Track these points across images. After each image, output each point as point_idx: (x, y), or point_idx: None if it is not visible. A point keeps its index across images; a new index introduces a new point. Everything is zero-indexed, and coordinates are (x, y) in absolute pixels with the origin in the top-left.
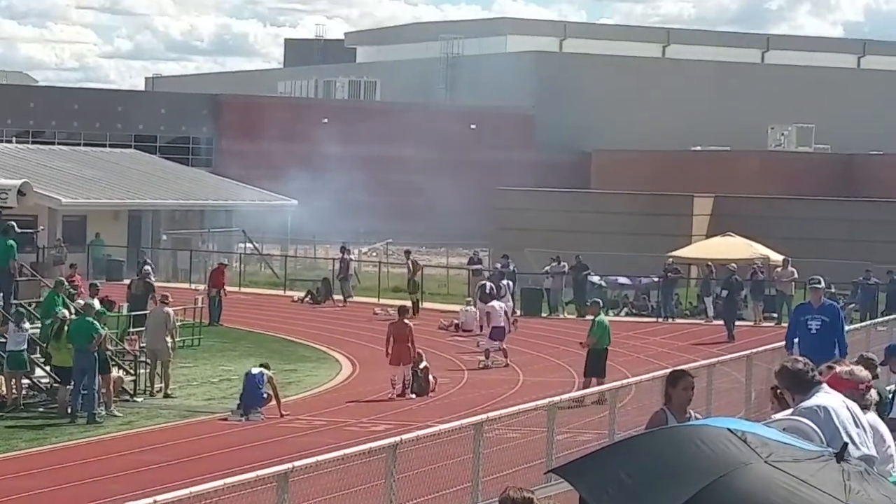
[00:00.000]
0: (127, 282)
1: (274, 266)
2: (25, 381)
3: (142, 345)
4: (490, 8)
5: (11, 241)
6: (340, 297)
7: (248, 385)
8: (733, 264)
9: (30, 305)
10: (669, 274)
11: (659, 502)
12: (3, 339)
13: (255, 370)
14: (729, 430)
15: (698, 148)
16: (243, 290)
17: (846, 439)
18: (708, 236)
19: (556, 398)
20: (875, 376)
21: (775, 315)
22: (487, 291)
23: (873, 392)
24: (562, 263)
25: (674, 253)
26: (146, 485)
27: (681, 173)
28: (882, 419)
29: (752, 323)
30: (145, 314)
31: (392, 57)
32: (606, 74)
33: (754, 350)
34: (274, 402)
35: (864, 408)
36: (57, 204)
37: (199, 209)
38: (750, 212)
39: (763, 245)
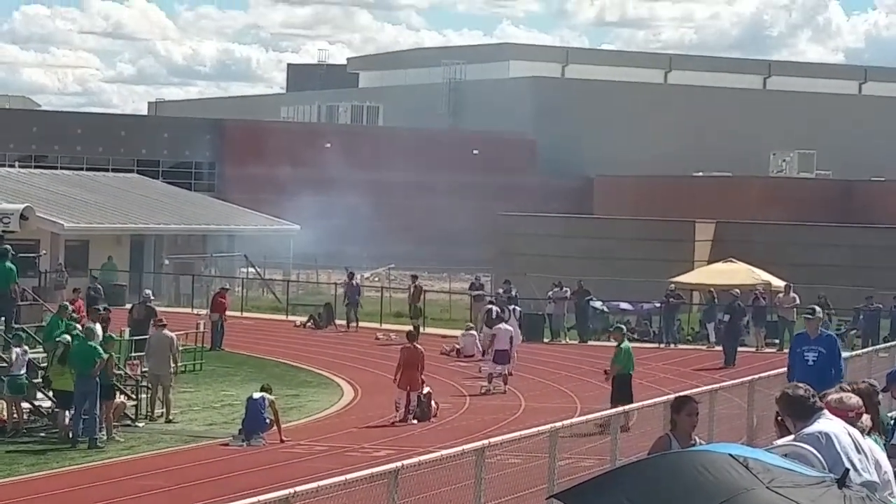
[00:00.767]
0: (129, 306)
1: (276, 291)
2: (26, 405)
3: (143, 369)
4: (492, 34)
5: (11, 265)
6: (343, 323)
7: (250, 410)
8: (736, 290)
9: (32, 330)
10: (671, 299)
11: None
12: (5, 364)
13: (257, 395)
14: (731, 455)
15: (700, 174)
16: (245, 314)
17: (848, 465)
18: (710, 262)
19: (559, 423)
20: (877, 402)
21: (777, 341)
22: (494, 316)
23: (865, 418)
24: (564, 289)
25: (676, 279)
26: None
27: (683, 199)
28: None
29: (753, 349)
30: (146, 339)
31: (395, 82)
32: (608, 100)
33: (756, 376)
34: (275, 427)
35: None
36: (59, 228)
37: (201, 234)
38: (752, 237)
39: (765, 271)
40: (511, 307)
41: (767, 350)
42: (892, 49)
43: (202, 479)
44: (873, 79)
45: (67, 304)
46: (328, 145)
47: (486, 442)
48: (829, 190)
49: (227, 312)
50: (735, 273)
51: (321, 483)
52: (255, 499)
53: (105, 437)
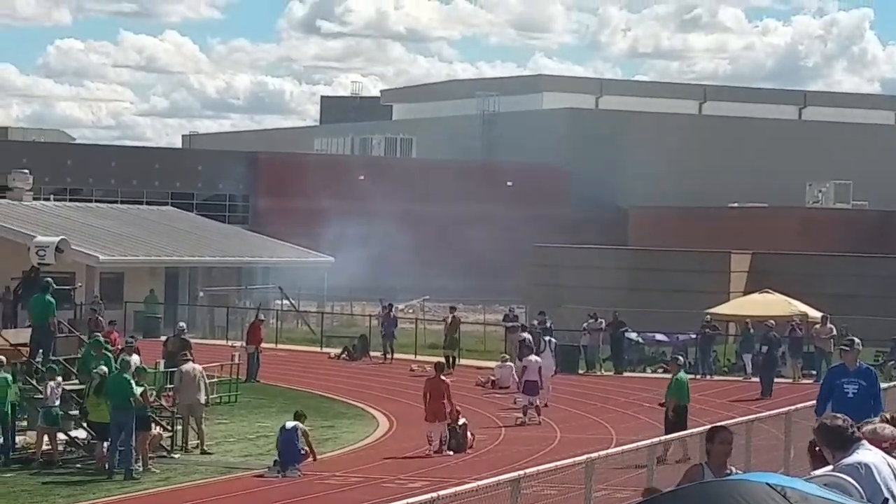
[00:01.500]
0: (164, 338)
1: (311, 323)
2: (62, 437)
3: (176, 401)
4: (525, 65)
5: (50, 298)
6: (378, 354)
7: (283, 440)
8: (771, 321)
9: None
10: (707, 331)
11: None
12: (41, 396)
13: (290, 424)
14: (768, 484)
15: (735, 205)
16: (280, 346)
17: (888, 496)
18: (746, 293)
19: (595, 454)
20: None
21: (814, 372)
22: (525, 347)
23: None
24: (599, 320)
25: (712, 310)
26: None
27: (718, 230)
28: None
29: (790, 380)
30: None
31: (428, 114)
32: (643, 131)
33: (793, 407)
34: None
35: None
36: (94, 261)
37: (235, 266)
38: (788, 269)
39: (801, 302)
40: (546, 338)
41: (804, 381)
42: None
43: None
44: None
45: (100, 337)
46: (362, 177)
47: (521, 472)
48: (866, 220)
49: (262, 344)
50: (771, 304)
51: None
52: None
53: (141, 469)
